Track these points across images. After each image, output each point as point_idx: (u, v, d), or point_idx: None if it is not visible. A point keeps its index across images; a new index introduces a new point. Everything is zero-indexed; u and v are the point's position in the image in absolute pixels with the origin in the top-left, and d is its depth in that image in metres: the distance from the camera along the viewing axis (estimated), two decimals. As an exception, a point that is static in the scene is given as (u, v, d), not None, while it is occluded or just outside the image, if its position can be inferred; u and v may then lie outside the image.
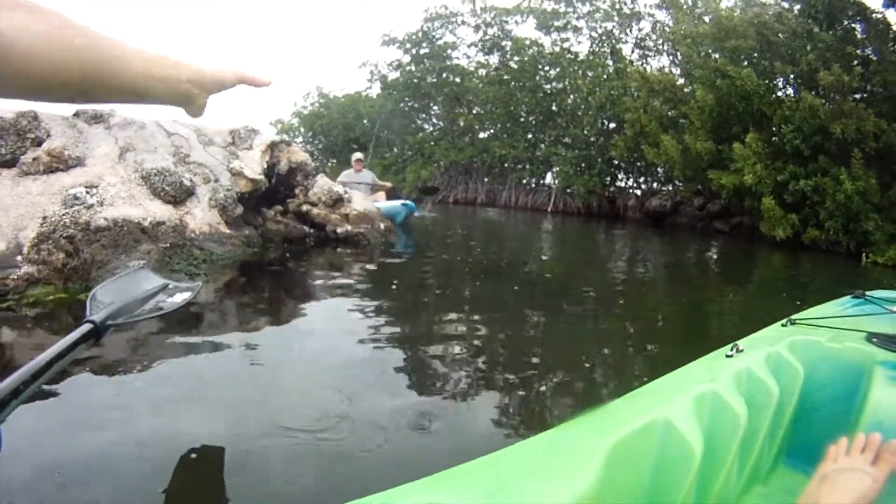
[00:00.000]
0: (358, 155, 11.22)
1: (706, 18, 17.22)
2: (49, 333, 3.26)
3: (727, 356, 1.48)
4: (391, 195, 11.19)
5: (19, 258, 3.96)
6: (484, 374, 2.89)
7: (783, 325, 1.91)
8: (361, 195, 8.90)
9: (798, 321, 1.91)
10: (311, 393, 2.45)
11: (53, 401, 2.16)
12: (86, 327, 1.17)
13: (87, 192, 4.59)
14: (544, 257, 8.42)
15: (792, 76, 13.43)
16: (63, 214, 4.31)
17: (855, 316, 1.99)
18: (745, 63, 13.77)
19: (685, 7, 19.18)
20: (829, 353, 1.60)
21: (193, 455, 1.84)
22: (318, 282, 4.96)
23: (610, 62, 21.38)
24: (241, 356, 2.89)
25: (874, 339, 1.63)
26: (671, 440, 1.01)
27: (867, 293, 2.33)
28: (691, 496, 1.02)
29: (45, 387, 2.08)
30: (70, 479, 1.64)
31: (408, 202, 10.31)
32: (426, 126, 29.07)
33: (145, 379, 2.48)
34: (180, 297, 1.55)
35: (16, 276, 3.83)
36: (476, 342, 3.43)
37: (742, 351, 1.51)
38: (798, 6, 13.49)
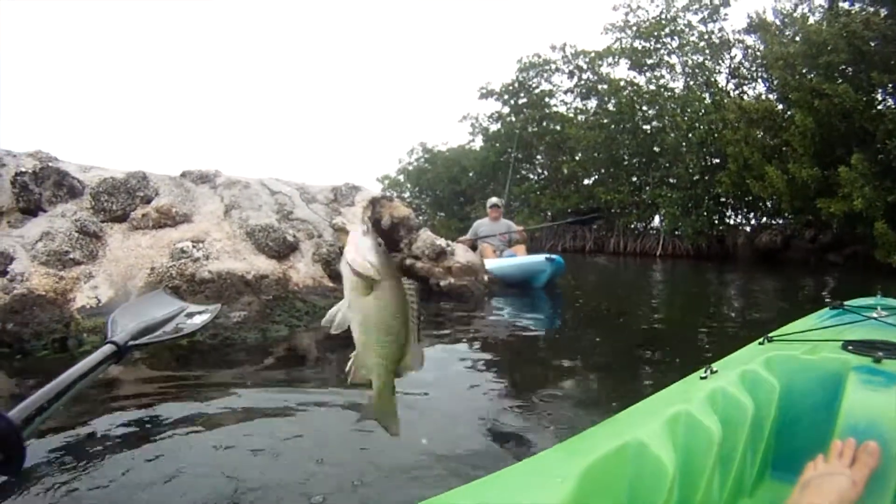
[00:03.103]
0: (494, 200, 9.38)
1: (797, 38, 16.28)
2: (148, 367, 3.52)
3: (701, 378, 1.53)
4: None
5: (126, 305, 4.12)
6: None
7: (760, 344, 1.92)
8: (485, 248, 8.60)
9: (775, 338, 1.94)
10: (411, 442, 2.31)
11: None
12: (108, 348, 1.17)
13: (194, 247, 4.84)
14: (653, 306, 7.83)
15: (890, 85, 12.48)
16: (170, 266, 4.55)
17: (832, 326, 2.01)
18: (840, 79, 12.98)
19: (773, 28, 18.24)
20: (806, 365, 1.62)
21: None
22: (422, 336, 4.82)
23: (706, 95, 20.65)
24: (346, 407, 2.79)
25: (850, 347, 1.65)
26: (645, 461, 1.04)
27: (845, 303, 2.33)
28: (670, 514, 1.05)
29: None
30: None
31: (554, 256, 7.54)
32: (531, 175, 28.99)
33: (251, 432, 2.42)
34: (200, 319, 1.53)
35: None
36: (578, 399, 3.17)
37: (716, 372, 1.56)
38: (885, 9, 12.59)
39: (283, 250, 5.41)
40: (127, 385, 3.20)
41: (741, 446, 1.35)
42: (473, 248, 8.66)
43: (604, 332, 5.39)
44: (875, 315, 2.04)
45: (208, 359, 3.88)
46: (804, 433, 1.53)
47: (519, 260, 7.93)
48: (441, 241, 7.35)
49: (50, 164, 5.11)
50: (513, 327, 5.54)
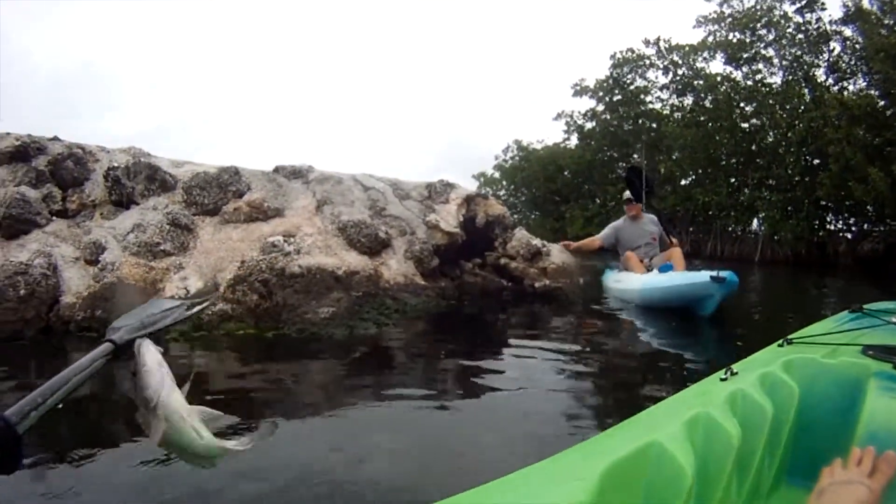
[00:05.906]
0: (629, 194, 7.31)
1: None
2: (236, 357, 3.69)
3: (721, 380, 1.52)
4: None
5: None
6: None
7: (779, 346, 1.90)
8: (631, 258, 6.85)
9: (794, 340, 1.90)
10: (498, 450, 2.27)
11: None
12: (106, 346, 1.20)
13: (285, 241, 4.84)
14: (755, 317, 6.96)
15: None
16: (260, 260, 4.57)
17: (852, 330, 1.98)
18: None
19: (872, 17, 16.78)
20: (825, 370, 1.59)
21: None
22: (512, 337, 4.58)
23: (805, 91, 19.51)
24: (427, 406, 2.75)
25: (870, 352, 1.61)
26: (663, 463, 1.03)
27: (865, 306, 2.29)
28: (688, 518, 1.06)
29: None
30: None
31: (724, 274, 5.10)
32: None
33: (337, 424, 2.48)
34: (196, 308, 1.54)
35: (210, 312, 4.13)
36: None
37: (736, 374, 1.55)
38: None
39: (375, 246, 5.34)
40: (213, 376, 3.27)
41: (759, 450, 1.35)
42: (602, 249, 7.61)
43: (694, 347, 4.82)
44: (895, 320, 2.01)
45: (292, 353, 3.89)
46: (821, 438, 1.50)
47: (669, 281, 5.71)
48: (536, 241, 7.10)
49: (142, 159, 5.27)
50: (598, 333, 5.11)
